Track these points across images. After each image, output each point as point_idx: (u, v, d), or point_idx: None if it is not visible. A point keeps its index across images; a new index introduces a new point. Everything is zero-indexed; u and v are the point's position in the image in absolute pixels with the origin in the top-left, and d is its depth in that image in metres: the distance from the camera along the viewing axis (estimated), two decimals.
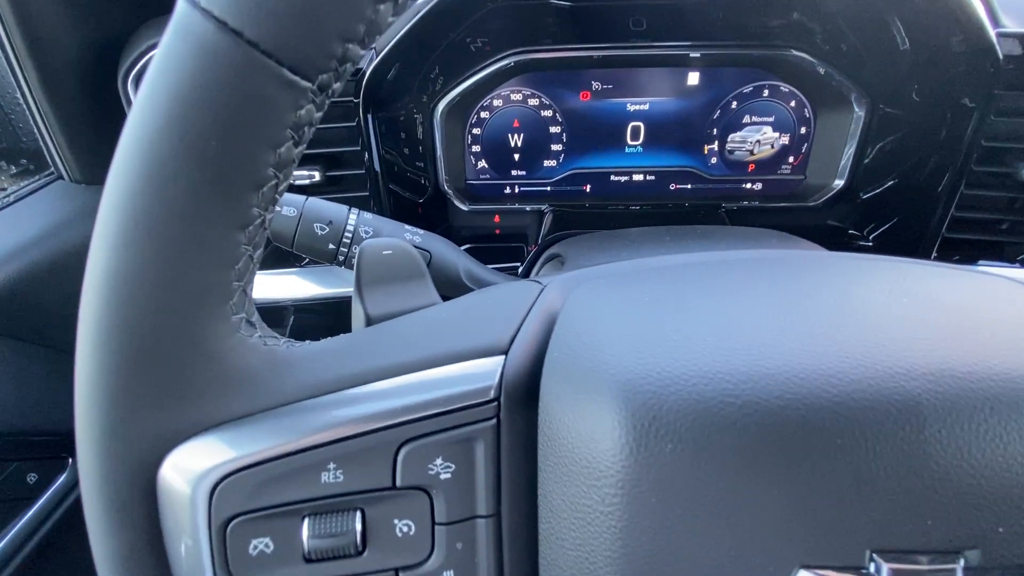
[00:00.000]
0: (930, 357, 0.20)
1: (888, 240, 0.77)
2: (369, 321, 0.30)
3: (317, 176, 0.67)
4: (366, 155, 0.67)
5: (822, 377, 0.20)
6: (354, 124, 0.65)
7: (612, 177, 0.86)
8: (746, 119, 0.80)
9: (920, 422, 0.19)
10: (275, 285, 0.72)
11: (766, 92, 0.78)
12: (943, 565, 0.19)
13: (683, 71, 0.78)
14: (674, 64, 0.77)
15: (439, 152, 0.79)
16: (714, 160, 0.83)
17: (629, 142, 0.83)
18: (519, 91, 0.80)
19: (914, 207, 0.74)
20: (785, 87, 0.78)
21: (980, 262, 0.70)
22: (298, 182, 0.67)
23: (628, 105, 0.80)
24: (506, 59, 0.76)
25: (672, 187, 0.86)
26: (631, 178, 0.86)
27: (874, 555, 0.19)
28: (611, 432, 0.21)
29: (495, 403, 0.23)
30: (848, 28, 0.72)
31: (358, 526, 0.22)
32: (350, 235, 0.44)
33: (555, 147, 0.84)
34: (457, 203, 0.84)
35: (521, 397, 0.24)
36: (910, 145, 0.75)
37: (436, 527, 0.23)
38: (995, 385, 0.19)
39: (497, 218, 0.87)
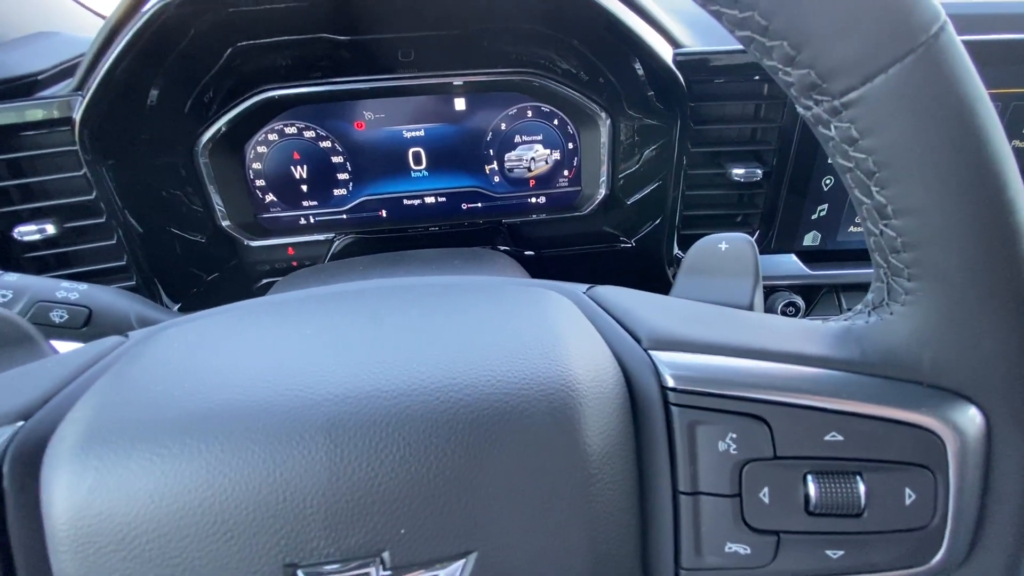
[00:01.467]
0: (344, 383, 0.23)
1: (650, 240, 0.85)
2: None
3: (51, 229, 0.63)
4: (102, 204, 0.64)
5: (247, 416, 0.22)
6: (81, 173, 0.62)
7: (405, 201, 0.88)
8: (518, 139, 0.86)
9: (332, 441, 0.22)
10: None
11: (530, 113, 0.84)
12: (361, 570, 0.21)
13: (449, 97, 0.82)
14: (440, 92, 0.81)
15: (210, 190, 0.77)
16: (497, 179, 0.88)
17: (413, 167, 0.86)
18: (292, 124, 0.80)
19: (666, 209, 0.82)
20: (546, 107, 0.84)
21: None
22: (27, 238, 0.62)
23: (404, 132, 0.83)
24: (265, 93, 0.75)
25: (464, 207, 0.89)
26: (423, 201, 0.88)
27: (298, 571, 0.21)
28: (62, 491, 0.21)
29: None
30: (599, 60, 0.79)
31: None
32: None
33: (342, 176, 0.85)
34: (243, 239, 0.82)
35: (35, 462, 0.24)
36: (664, 153, 0.83)
37: None
38: (389, 402, 0.22)
39: (291, 251, 0.86)
